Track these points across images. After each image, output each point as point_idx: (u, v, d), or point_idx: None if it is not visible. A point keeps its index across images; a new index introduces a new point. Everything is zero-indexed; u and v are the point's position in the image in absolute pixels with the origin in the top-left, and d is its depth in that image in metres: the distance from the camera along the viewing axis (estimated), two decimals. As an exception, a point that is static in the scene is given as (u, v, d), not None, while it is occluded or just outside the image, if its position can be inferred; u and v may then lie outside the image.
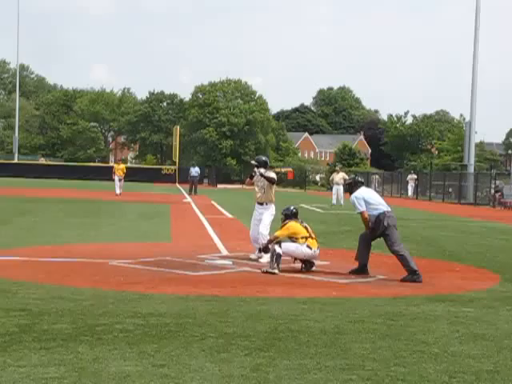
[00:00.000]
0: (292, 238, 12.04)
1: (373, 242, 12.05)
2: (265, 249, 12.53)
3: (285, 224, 12.41)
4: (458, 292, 10.52)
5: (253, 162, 14.07)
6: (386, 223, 11.60)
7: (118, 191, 38.32)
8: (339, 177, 36.87)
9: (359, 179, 12.92)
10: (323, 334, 7.30)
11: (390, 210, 11.95)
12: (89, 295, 9.02)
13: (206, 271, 11.65)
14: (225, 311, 8.33)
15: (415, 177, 55.03)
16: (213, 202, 35.02)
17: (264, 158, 14.09)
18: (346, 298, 9.60)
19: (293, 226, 12.23)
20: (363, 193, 12.08)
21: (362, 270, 11.76)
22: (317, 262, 12.21)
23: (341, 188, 35.50)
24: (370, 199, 11.98)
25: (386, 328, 7.71)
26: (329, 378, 5.75)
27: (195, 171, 45.38)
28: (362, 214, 11.84)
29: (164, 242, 16.16)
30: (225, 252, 14.42)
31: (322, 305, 8.96)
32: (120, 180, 39.00)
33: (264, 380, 5.65)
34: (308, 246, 11.91)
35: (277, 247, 11.83)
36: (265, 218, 13.26)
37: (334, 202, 36.51)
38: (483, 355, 6.69)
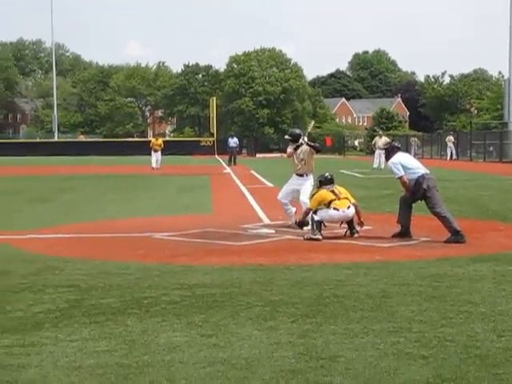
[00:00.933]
0: (324, 205, 12.07)
1: (414, 205, 11.99)
2: (300, 223, 12.55)
3: (314, 194, 12.47)
4: (503, 251, 10.45)
5: (286, 136, 14.02)
6: (425, 186, 11.54)
7: (154, 165, 38.42)
8: (382, 141, 36.70)
9: (396, 144, 12.87)
10: (369, 298, 7.30)
11: (428, 172, 11.88)
12: (134, 269, 9.11)
13: (249, 241, 11.68)
14: (269, 279, 8.37)
15: (452, 139, 54.32)
16: (252, 172, 35.08)
17: (297, 131, 14.02)
18: (390, 262, 9.58)
19: (320, 194, 12.26)
20: (400, 158, 12.02)
21: (405, 233, 11.72)
22: (359, 228, 12.18)
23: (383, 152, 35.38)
24: (408, 164, 11.92)
25: (431, 290, 7.69)
26: (376, 342, 5.77)
27: (234, 142, 45.38)
28: (401, 178, 11.79)
29: (205, 214, 16.22)
30: (266, 221, 14.45)
31: (366, 269, 8.97)
32: (158, 154, 39.09)
33: (312, 346, 5.68)
34: (334, 209, 11.91)
35: (314, 215, 11.88)
36: (306, 188, 13.24)
37: (376, 165, 36.49)
38: (531, 313, 6.66)
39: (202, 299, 7.35)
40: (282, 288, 7.89)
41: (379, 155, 36.51)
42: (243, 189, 23.50)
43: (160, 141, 40.91)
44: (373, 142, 40.55)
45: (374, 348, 5.61)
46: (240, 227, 13.34)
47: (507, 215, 15.14)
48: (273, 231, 12.75)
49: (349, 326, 6.27)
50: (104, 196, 21.86)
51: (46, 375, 5.08)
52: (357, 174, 32.70)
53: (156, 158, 38.95)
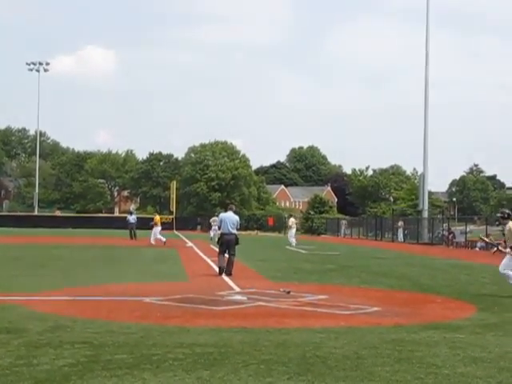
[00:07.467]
0: None
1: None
2: None
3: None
4: (446, 320, 10.47)
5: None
6: None
7: (163, 239, 35.74)
8: (291, 221, 40.20)
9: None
10: (347, 359, 7.22)
11: None
12: (136, 329, 8.89)
13: (227, 306, 11.52)
14: (255, 340, 8.24)
15: (402, 223, 54.64)
16: (211, 246, 34.81)
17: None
18: (354, 327, 9.52)
19: None
20: None
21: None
22: (319, 296, 12.14)
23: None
24: None
25: (397, 353, 7.64)
26: (365, 398, 5.70)
27: (132, 218, 42.08)
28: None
29: (182, 282, 16.00)
30: (237, 289, 14.32)
31: (335, 334, 8.89)
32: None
33: (310, 400, 5.59)
34: None
35: None
36: None
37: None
38: (487, 375, 6.61)
39: (202, 357, 7.19)
40: (268, 348, 7.77)
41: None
42: (208, 260, 23.26)
43: (158, 217, 39.32)
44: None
45: (366, 403, 5.55)
46: (216, 294, 13.17)
47: (439, 289, 15.18)
48: (245, 298, 12.63)
49: (338, 383, 6.19)
50: (91, 263, 21.44)
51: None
52: (301, 250, 32.65)
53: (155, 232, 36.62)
